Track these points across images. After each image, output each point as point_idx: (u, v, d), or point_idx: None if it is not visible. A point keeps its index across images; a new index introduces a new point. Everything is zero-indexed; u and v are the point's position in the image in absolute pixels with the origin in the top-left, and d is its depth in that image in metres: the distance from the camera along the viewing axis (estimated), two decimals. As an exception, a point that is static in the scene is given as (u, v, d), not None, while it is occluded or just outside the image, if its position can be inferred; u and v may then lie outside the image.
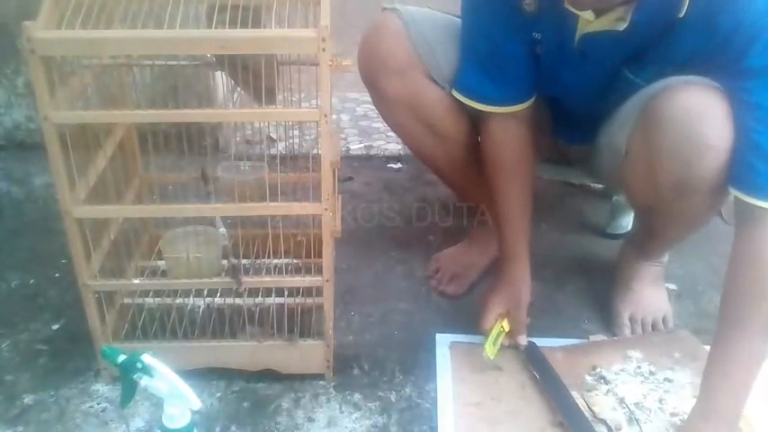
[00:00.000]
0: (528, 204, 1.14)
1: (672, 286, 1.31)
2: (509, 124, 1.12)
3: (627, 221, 1.50)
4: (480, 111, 1.13)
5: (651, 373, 1.08)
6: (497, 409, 1.02)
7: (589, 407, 1.00)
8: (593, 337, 1.18)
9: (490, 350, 1.07)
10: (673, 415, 1.00)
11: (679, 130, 0.92)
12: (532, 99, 1.12)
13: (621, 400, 1.02)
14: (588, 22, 0.98)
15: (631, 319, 1.20)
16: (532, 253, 1.15)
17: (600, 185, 1.64)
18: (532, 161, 1.16)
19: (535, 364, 1.08)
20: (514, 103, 1.11)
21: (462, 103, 1.14)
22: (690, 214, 1.04)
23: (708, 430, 0.91)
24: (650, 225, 1.16)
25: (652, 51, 0.99)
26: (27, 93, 1.75)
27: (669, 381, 1.07)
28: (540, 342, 1.13)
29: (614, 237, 1.48)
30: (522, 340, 1.11)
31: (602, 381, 1.06)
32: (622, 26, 0.94)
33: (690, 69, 0.96)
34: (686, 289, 1.31)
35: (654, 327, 1.19)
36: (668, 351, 1.13)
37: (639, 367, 1.09)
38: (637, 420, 0.99)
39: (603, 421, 0.98)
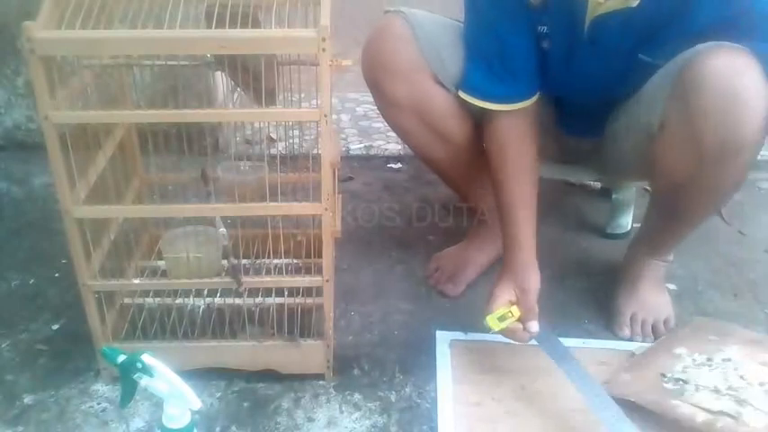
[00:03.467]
0: (533, 194, 1.13)
1: (672, 286, 1.31)
2: (515, 122, 1.12)
3: (627, 221, 1.50)
4: (486, 109, 1.12)
5: (708, 360, 1.07)
6: (497, 410, 1.02)
7: (697, 408, 0.98)
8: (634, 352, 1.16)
9: (492, 322, 1.03)
10: (761, 385, 1.01)
11: (721, 89, 0.91)
12: (537, 94, 1.12)
13: (716, 390, 1.01)
14: (599, 3, 0.97)
15: (632, 319, 1.20)
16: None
17: (599, 185, 1.64)
18: (537, 152, 1.15)
19: (550, 351, 1.06)
20: (521, 99, 1.11)
21: (468, 104, 1.14)
22: (726, 180, 1.02)
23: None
24: (674, 208, 1.13)
25: (666, 29, 0.99)
26: (27, 93, 1.75)
27: (728, 360, 1.07)
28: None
29: (614, 237, 1.48)
30: (533, 327, 1.05)
31: (681, 383, 1.04)
32: (635, 2, 0.94)
33: (705, 41, 0.96)
34: (686, 289, 1.31)
35: (654, 329, 1.19)
36: (703, 338, 1.13)
37: (695, 359, 1.08)
38: (745, 400, 0.98)
39: (722, 412, 0.96)
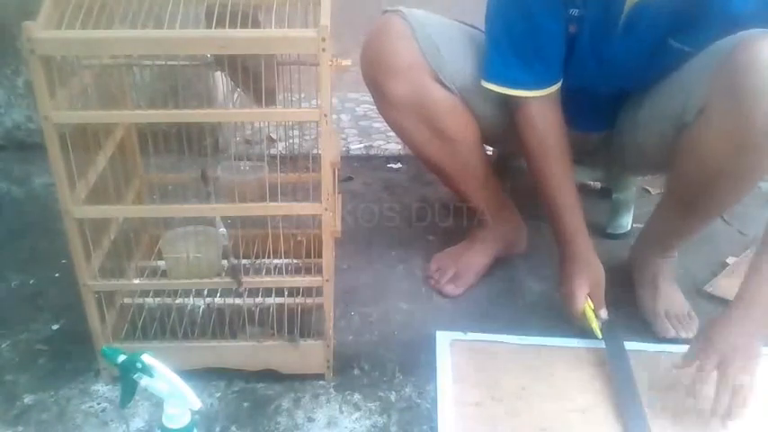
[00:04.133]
0: (575, 185, 1.17)
1: (672, 286, 1.31)
2: (546, 107, 1.13)
3: (627, 221, 1.50)
4: (515, 97, 1.13)
5: None
6: (497, 409, 1.02)
7: None
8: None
9: (598, 330, 1.12)
10: None
11: None
12: (561, 79, 1.14)
13: None
14: None
15: (668, 317, 1.20)
16: (533, 252, 1.15)
17: (599, 185, 1.64)
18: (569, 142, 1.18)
19: (610, 341, 1.12)
20: (550, 84, 1.12)
21: (488, 95, 1.14)
22: (758, 169, 1.01)
23: (737, 316, 0.99)
24: (691, 201, 1.11)
25: (701, 16, 1.00)
26: (27, 93, 1.75)
27: None
28: (549, 341, 1.15)
29: (614, 237, 1.48)
30: (605, 313, 1.14)
31: None
32: None
33: (738, 30, 0.97)
34: (686, 289, 1.31)
35: (686, 321, 1.19)
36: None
37: None
38: None
39: None
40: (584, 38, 1.09)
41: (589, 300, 1.14)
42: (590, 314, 1.13)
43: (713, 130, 1.00)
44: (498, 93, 1.14)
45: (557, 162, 1.16)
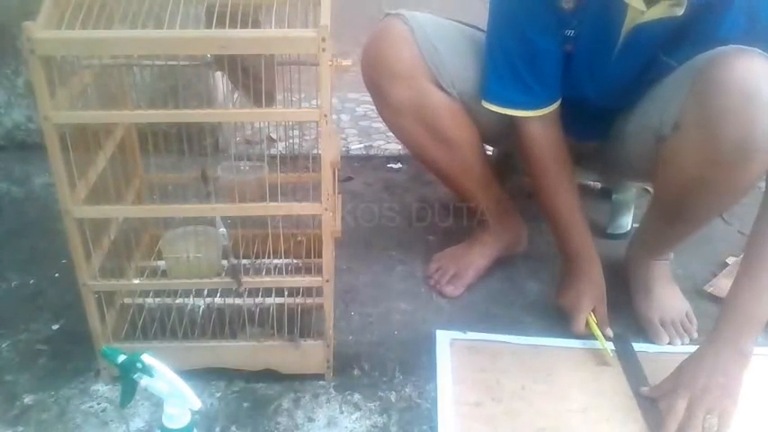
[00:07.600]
0: (579, 198, 1.18)
1: (672, 286, 1.31)
2: (547, 125, 1.14)
3: (627, 221, 1.50)
4: (516, 117, 1.13)
5: None
6: (497, 409, 1.02)
7: None
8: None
9: (604, 344, 1.12)
10: None
11: (740, 90, 0.90)
12: (560, 98, 1.14)
13: None
14: (640, 13, 0.98)
15: (663, 324, 1.19)
16: (533, 252, 1.15)
17: (599, 185, 1.64)
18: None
19: (625, 357, 1.12)
20: (549, 104, 1.13)
21: (488, 111, 1.14)
22: (736, 184, 1.01)
23: (711, 353, 0.98)
24: (677, 211, 1.11)
25: (692, 33, 1.00)
26: (27, 93, 1.75)
27: None
28: (548, 341, 1.15)
29: (614, 237, 1.48)
30: (610, 332, 1.14)
31: None
32: (680, 11, 0.95)
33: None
34: (686, 289, 1.31)
35: (683, 326, 1.19)
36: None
37: None
38: None
39: None
40: (580, 56, 1.10)
41: (592, 315, 1.15)
42: (594, 329, 1.13)
43: (687, 144, 1.00)
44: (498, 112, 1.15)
45: (560, 179, 1.16)
